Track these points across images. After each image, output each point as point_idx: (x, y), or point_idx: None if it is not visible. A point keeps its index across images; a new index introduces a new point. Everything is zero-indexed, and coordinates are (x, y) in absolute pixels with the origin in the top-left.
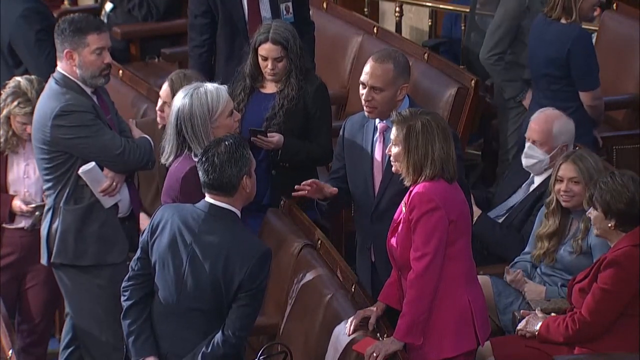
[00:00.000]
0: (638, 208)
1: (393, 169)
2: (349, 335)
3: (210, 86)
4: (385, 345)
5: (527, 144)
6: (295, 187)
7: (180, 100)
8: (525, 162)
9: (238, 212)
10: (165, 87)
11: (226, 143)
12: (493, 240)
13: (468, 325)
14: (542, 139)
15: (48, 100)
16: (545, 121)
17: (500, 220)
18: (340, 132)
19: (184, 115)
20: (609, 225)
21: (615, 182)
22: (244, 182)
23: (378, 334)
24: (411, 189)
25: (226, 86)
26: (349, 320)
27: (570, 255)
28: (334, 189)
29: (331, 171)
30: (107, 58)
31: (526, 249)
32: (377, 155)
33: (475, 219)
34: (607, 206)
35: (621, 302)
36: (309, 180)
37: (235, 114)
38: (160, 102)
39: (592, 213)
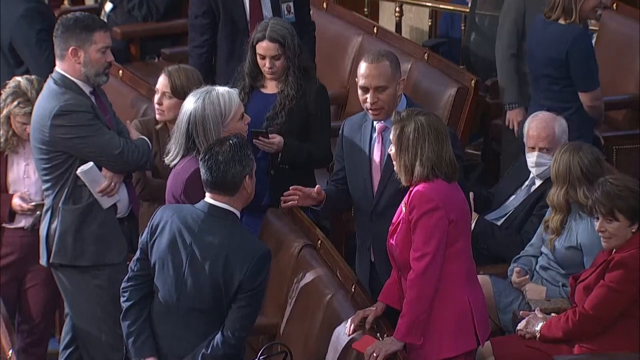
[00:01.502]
0: None
1: (395, 168)
2: (349, 335)
3: (221, 89)
4: (386, 345)
5: (535, 153)
6: (282, 199)
7: (192, 104)
8: (535, 170)
9: (238, 213)
10: (162, 79)
11: (230, 142)
12: (493, 242)
13: (468, 325)
14: (549, 145)
15: (47, 100)
16: (546, 127)
17: (500, 221)
18: (340, 133)
19: (196, 119)
20: (632, 230)
21: (629, 186)
22: (246, 181)
23: (378, 333)
24: (411, 189)
25: (237, 89)
26: (349, 320)
27: (562, 248)
28: (316, 187)
29: (333, 173)
30: (110, 57)
31: (532, 241)
32: (376, 155)
33: (473, 223)
34: (634, 211)
35: (624, 302)
36: (291, 188)
37: (246, 117)
38: (157, 96)
39: (610, 226)
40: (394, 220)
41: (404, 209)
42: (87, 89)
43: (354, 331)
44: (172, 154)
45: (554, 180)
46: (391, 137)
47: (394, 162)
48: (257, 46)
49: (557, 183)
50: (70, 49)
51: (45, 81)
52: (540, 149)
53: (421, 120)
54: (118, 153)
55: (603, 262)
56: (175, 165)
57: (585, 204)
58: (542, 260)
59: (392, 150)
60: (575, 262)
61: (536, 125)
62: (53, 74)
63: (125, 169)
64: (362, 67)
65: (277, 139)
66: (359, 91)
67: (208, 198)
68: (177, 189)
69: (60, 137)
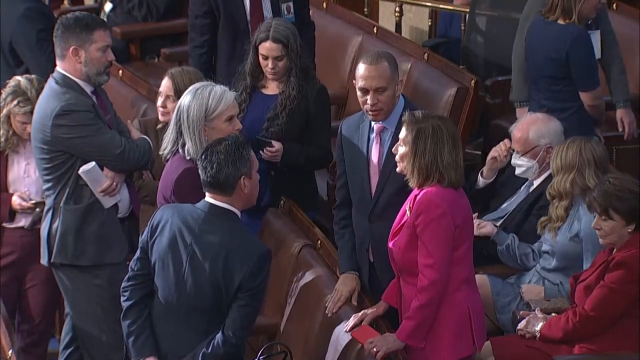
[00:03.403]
0: None
1: (397, 168)
2: (348, 330)
3: (218, 88)
4: (388, 342)
5: (513, 154)
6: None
7: (185, 94)
8: (516, 171)
9: (238, 213)
10: (165, 82)
11: (226, 142)
12: (508, 257)
13: (466, 330)
14: (521, 148)
15: (48, 100)
16: (521, 129)
17: (499, 222)
18: (338, 133)
19: (184, 106)
20: (629, 230)
21: (628, 186)
22: (241, 182)
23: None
24: (416, 192)
25: (236, 93)
26: (352, 317)
27: (564, 239)
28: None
29: (337, 176)
30: (111, 56)
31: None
32: (374, 156)
33: (493, 235)
34: (632, 212)
35: (624, 302)
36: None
37: (236, 122)
38: (161, 99)
39: (605, 224)
40: (395, 223)
41: (408, 212)
42: (88, 89)
43: (352, 328)
44: (165, 142)
45: (557, 170)
46: (402, 136)
47: (400, 162)
48: (260, 47)
49: (562, 171)
50: (71, 48)
51: (45, 81)
52: (516, 151)
53: (439, 125)
54: (119, 153)
55: (603, 262)
56: (167, 158)
57: (592, 189)
58: (543, 261)
59: (400, 150)
60: (575, 253)
61: (516, 125)
62: (54, 74)
63: (126, 169)
64: (361, 68)
65: (277, 146)
66: (358, 93)
67: (208, 197)
68: (167, 189)
69: (61, 136)
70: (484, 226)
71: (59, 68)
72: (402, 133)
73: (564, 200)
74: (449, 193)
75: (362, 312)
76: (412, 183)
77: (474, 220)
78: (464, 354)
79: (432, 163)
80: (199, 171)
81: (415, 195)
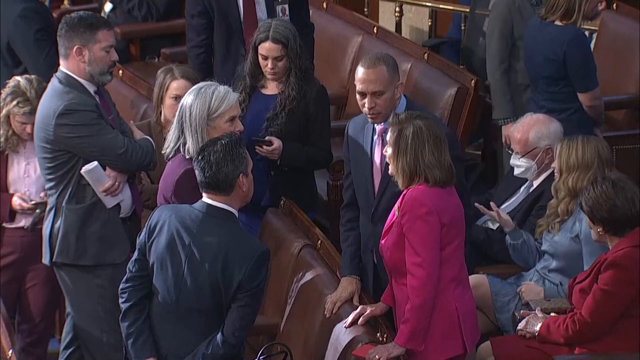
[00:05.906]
0: (622, 213)
1: (389, 170)
2: (347, 327)
3: (221, 88)
4: (388, 348)
5: (512, 154)
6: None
7: (188, 93)
8: (515, 171)
9: (235, 212)
10: (183, 84)
11: (222, 142)
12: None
13: (454, 330)
14: (520, 149)
15: (51, 99)
16: (521, 131)
17: (497, 224)
18: (345, 134)
19: (186, 105)
20: (599, 230)
21: (595, 190)
22: (240, 180)
23: (378, 333)
24: (404, 192)
25: (238, 94)
26: (351, 314)
27: (565, 238)
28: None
29: (344, 176)
30: (114, 55)
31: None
32: (377, 157)
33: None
34: (591, 214)
35: (621, 303)
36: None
37: (238, 123)
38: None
39: (588, 220)
40: (387, 223)
41: (397, 212)
42: (91, 89)
43: (352, 324)
44: (167, 142)
45: (572, 168)
46: (388, 138)
47: (389, 164)
48: (260, 47)
49: (578, 169)
50: (75, 48)
51: (44, 81)
52: (516, 152)
53: (420, 125)
54: (121, 153)
55: (598, 263)
56: (169, 157)
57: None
58: (544, 261)
59: (388, 152)
60: (576, 253)
61: (516, 127)
62: (57, 73)
63: (128, 169)
64: (359, 72)
65: (276, 144)
66: (357, 96)
67: (205, 198)
68: (168, 190)
69: (64, 136)
70: (506, 217)
71: (63, 67)
72: (388, 135)
73: (577, 198)
74: (436, 192)
75: (360, 306)
76: (399, 184)
77: (497, 210)
78: (452, 354)
79: (414, 163)
80: (196, 172)
81: (404, 195)
